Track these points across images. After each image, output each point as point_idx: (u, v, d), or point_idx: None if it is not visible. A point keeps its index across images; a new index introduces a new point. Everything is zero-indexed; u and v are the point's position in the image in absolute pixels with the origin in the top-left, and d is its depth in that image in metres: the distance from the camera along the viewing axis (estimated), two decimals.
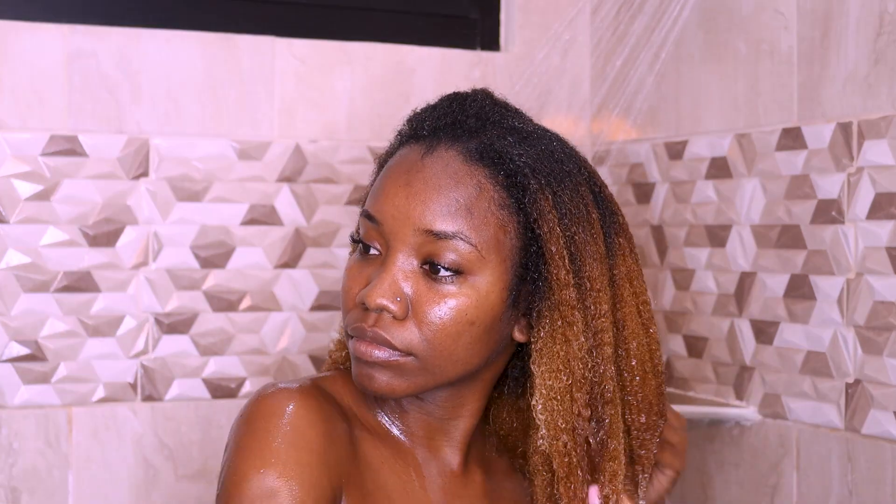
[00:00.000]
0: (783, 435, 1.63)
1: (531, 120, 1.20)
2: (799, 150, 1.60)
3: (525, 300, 1.14)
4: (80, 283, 1.72)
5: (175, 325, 1.77)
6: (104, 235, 1.73)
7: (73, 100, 1.72)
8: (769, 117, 1.66)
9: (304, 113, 1.84)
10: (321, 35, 1.87)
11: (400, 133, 1.19)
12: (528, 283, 1.13)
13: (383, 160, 1.20)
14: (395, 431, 1.18)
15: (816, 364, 1.58)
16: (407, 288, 1.10)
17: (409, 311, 1.09)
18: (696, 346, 1.80)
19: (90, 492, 1.73)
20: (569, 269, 1.12)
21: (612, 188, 1.97)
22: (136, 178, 1.75)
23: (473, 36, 1.99)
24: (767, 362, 1.66)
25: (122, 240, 1.74)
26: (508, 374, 1.23)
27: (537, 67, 1.98)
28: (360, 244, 1.14)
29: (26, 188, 1.69)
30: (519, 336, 1.15)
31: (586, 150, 2.01)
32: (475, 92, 1.19)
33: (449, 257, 1.09)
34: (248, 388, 1.81)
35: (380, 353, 1.10)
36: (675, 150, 1.83)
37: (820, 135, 1.57)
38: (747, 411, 1.68)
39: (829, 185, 1.55)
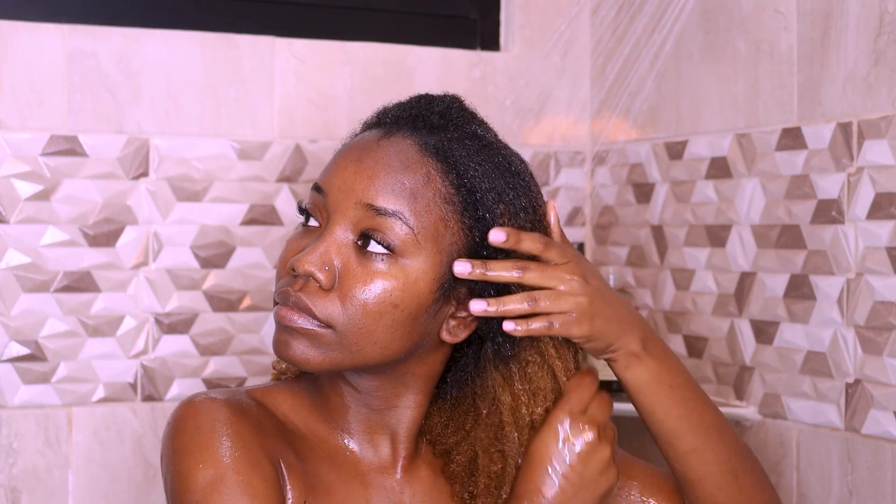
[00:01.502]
0: (783, 435, 1.63)
1: (495, 133, 1.21)
2: (799, 150, 1.60)
3: (458, 301, 1.14)
4: (80, 283, 1.72)
5: (175, 325, 1.77)
6: (104, 235, 1.73)
7: (73, 100, 1.72)
8: (769, 117, 1.66)
9: (304, 113, 1.84)
10: (321, 35, 1.87)
11: (365, 122, 1.21)
12: (464, 287, 1.13)
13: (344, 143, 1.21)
14: (335, 434, 1.18)
15: (816, 364, 1.58)
16: (338, 260, 1.10)
17: (335, 282, 1.10)
18: (696, 346, 1.80)
19: (90, 492, 1.73)
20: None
21: (612, 188, 1.97)
22: (136, 178, 1.75)
23: (473, 36, 1.99)
24: (767, 362, 1.66)
25: (122, 240, 1.74)
26: (448, 379, 1.21)
27: (537, 67, 1.98)
28: (304, 216, 1.16)
29: (26, 188, 1.69)
30: (447, 337, 1.15)
31: (586, 150, 2.02)
32: (445, 95, 1.21)
33: (384, 235, 1.10)
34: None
35: (298, 320, 1.10)
36: (675, 150, 1.83)
37: (820, 135, 1.57)
38: (747, 411, 1.68)
39: (829, 185, 1.55)
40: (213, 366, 1.79)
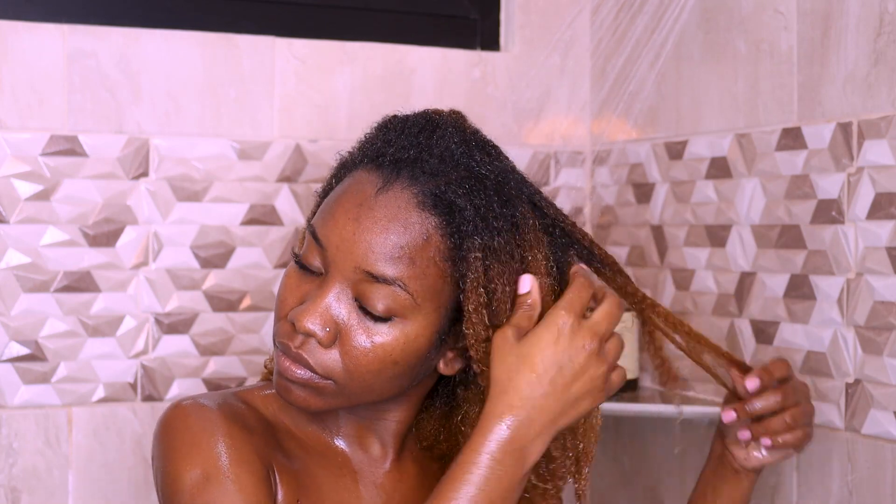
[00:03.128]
0: None
1: (496, 152, 1.18)
2: (799, 150, 1.60)
3: (454, 337, 1.15)
4: (80, 283, 1.72)
5: (175, 325, 1.77)
6: (104, 235, 1.73)
7: (73, 100, 1.72)
8: (769, 117, 1.66)
9: (304, 113, 1.84)
10: (321, 35, 1.87)
11: (365, 143, 1.18)
12: (460, 324, 1.14)
13: (343, 165, 1.19)
14: (326, 434, 1.20)
15: (816, 364, 1.58)
16: (338, 317, 1.11)
17: (336, 339, 1.11)
18: None
19: (90, 492, 1.73)
20: (488, 325, 1.12)
21: (612, 188, 1.97)
22: (136, 178, 1.75)
23: (473, 36, 1.99)
24: (767, 362, 1.66)
25: (122, 240, 1.74)
26: (439, 391, 1.24)
27: (537, 67, 1.98)
28: (297, 262, 1.15)
29: (26, 188, 1.69)
30: (444, 369, 1.17)
31: (586, 150, 2.02)
32: (446, 121, 1.17)
33: (383, 301, 1.10)
34: None
35: (300, 373, 1.12)
36: (675, 150, 1.83)
37: (820, 135, 1.57)
38: None
39: (829, 185, 1.55)
40: (213, 366, 1.79)
